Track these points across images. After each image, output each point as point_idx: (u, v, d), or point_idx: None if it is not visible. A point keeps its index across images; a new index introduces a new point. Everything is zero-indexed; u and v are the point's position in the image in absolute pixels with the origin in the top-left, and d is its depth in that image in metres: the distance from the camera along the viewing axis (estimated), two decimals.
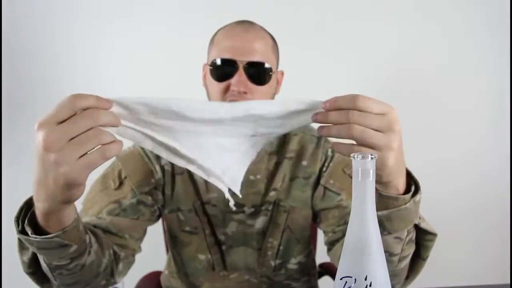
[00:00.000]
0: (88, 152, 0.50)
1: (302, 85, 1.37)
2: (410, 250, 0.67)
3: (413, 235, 0.65)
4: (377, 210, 0.56)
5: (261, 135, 0.63)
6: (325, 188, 0.90)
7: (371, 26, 1.66)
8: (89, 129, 0.49)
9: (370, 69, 1.66)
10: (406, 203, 0.58)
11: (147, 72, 1.60)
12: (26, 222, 0.57)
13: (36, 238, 0.56)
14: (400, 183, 0.58)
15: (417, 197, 0.59)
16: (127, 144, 0.59)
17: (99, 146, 0.51)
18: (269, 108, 0.57)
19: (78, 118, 0.49)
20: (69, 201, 0.54)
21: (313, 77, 1.60)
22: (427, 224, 0.66)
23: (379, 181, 0.56)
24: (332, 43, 1.66)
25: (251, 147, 0.64)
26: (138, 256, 0.87)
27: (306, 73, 1.52)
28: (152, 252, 1.07)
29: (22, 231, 0.57)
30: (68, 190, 0.51)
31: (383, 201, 0.58)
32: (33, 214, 0.57)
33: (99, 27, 1.59)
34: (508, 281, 1.61)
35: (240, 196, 0.65)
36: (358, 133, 0.52)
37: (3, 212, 1.58)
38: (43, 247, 0.57)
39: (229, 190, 0.66)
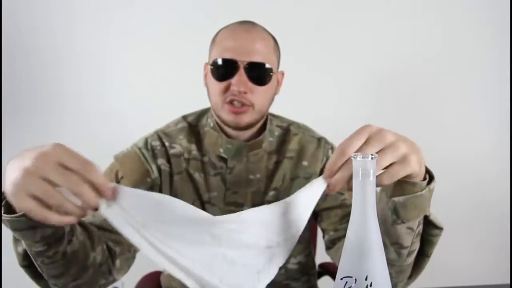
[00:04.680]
0: (35, 204, 0.49)
1: (301, 86, 1.37)
2: (417, 245, 0.67)
3: (421, 228, 0.65)
4: (393, 196, 0.59)
5: (278, 246, 0.57)
6: None
7: (371, 26, 1.65)
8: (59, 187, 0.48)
9: (369, 70, 1.66)
10: (422, 190, 0.59)
11: (148, 71, 1.60)
12: (3, 203, 0.56)
13: (6, 217, 0.55)
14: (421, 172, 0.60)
15: (432, 185, 0.60)
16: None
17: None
18: (269, 212, 0.55)
19: (66, 178, 0.49)
20: None
21: (312, 78, 1.60)
22: (435, 217, 0.67)
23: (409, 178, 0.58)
24: (332, 43, 1.66)
25: (269, 261, 0.57)
26: (138, 256, 0.87)
27: (305, 74, 1.52)
28: None
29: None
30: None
31: (401, 186, 0.59)
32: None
33: (99, 26, 1.59)
34: (508, 281, 1.61)
35: None
36: (389, 179, 0.55)
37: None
38: (16, 227, 0.56)
39: None
